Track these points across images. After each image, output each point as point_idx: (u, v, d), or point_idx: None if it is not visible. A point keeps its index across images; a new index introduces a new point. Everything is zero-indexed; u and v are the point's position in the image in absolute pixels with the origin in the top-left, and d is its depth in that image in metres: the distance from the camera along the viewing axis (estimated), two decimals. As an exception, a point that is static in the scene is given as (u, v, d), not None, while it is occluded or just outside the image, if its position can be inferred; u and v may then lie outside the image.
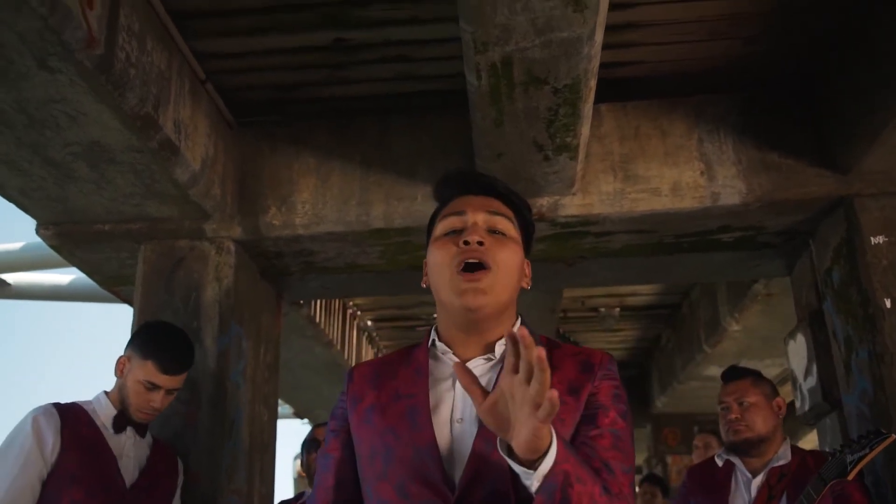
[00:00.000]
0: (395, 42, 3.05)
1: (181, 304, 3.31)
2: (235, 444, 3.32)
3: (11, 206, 3.19)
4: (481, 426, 1.27)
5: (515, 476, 1.18)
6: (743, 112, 3.34)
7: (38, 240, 3.51)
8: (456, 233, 1.40)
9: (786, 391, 7.09)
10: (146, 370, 2.57)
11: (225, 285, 3.34)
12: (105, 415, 2.56)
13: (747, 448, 2.75)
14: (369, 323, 6.88)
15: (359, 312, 6.54)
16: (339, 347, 5.84)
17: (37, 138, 2.69)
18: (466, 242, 1.35)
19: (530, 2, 2.11)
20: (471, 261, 1.34)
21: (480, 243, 1.35)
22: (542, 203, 3.28)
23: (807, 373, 3.66)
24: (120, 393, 2.60)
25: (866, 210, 3.18)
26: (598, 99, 2.94)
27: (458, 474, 1.26)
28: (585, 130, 2.86)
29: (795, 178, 3.24)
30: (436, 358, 1.42)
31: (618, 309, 6.68)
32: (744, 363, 6.37)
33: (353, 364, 6.38)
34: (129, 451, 2.56)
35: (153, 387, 2.57)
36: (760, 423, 2.77)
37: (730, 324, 5.47)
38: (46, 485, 2.35)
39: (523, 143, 2.85)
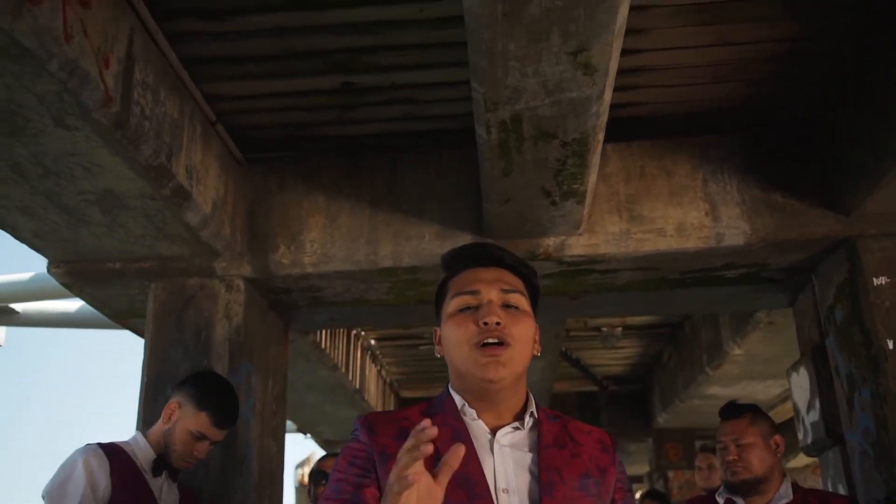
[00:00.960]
0: (402, 85, 3.09)
1: (192, 342, 3.34)
2: (246, 479, 3.35)
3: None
4: (539, 499, 1.34)
5: None
6: (747, 153, 3.38)
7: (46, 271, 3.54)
8: (471, 309, 1.44)
9: (787, 408, 7.14)
10: (199, 421, 2.60)
11: (234, 323, 3.38)
12: (144, 457, 2.57)
13: (746, 489, 2.74)
14: (373, 342, 6.92)
15: (362, 333, 6.58)
16: (343, 370, 5.87)
17: (51, 187, 2.73)
18: (486, 323, 1.40)
19: (541, 66, 2.15)
20: (490, 341, 1.40)
21: (498, 324, 1.41)
22: (548, 243, 3.32)
23: (809, 406, 3.70)
24: (164, 438, 2.61)
25: (869, 251, 3.22)
26: (604, 139, 2.97)
27: None
28: (593, 178, 2.90)
29: (798, 219, 3.28)
30: (466, 424, 1.45)
31: (620, 328, 6.72)
32: (745, 383, 6.44)
33: (357, 384, 6.41)
34: (166, 496, 2.59)
35: (202, 438, 2.60)
36: (757, 463, 2.75)
37: (732, 348, 5.51)
38: None
39: (531, 190, 2.89)
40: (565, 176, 2.78)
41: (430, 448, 1.12)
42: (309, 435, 8.69)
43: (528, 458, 1.41)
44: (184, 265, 3.38)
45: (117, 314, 3.90)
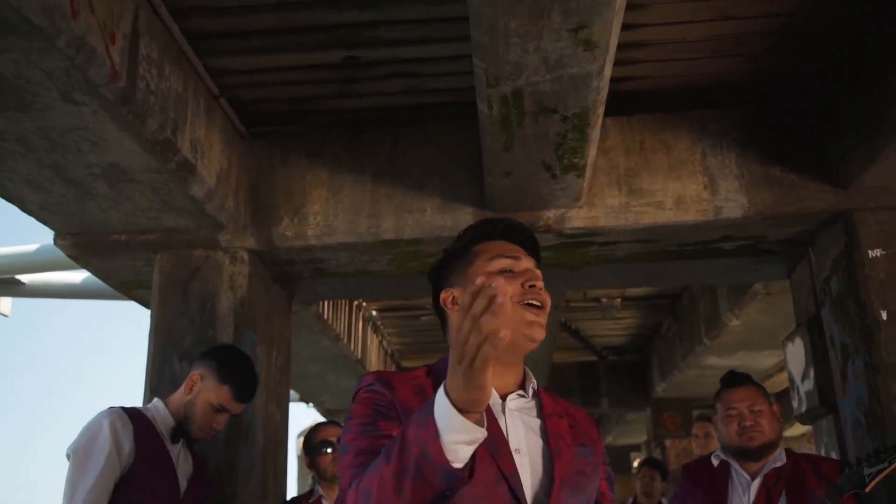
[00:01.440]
0: (404, 60, 3.11)
1: (197, 314, 3.40)
2: (251, 448, 3.42)
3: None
4: (551, 462, 1.41)
5: None
6: (746, 127, 3.40)
7: (52, 241, 3.57)
8: (509, 272, 1.48)
9: (783, 379, 7.22)
10: (220, 394, 2.65)
11: (239, 294, 3.43)
12: (164, 424, 2.63)
13: (759, 454, 2.77)
14: (374, 313, 6.98)
15: (364, 304, 6.64)
16: (345, 340, 5.94)
17: (58, 161, 2.76)
18: (532, 286, 1.46)
19: (542, 42, 2.17)
20: (534, 302, 1.45)
21: (542, 289, 1.48)
22: (548, 216, 3.36)
23: (804, 376, 3.77)
24: (185, 409, 2.67)
25: (865, 224, 3.26)
26: (604, 112, 3.00)
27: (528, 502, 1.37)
28: (593, 152, 2.93)
29: (796, 193, 3.32)
30: None
31: (619, 300, 6.77)
32: (742, 354, 6.52)
33: (359, 355, 6.49)
34: (182, 463, 2.66)
35: (223, 410, 2.67)
36: (769, 428, 2.80)
37: (730, 319, 5.57)
38: (117, 489, 2.43)
39: (532, 164, 2.93)
40: (565, 150, 2.82)
41: (506, 302, 1.07)
42: (311, 404, 8.79)
43: (535, 423, 1.48)
44: (189, 237, 3.43)
45: (123, 286, 3.96)
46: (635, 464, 14.68)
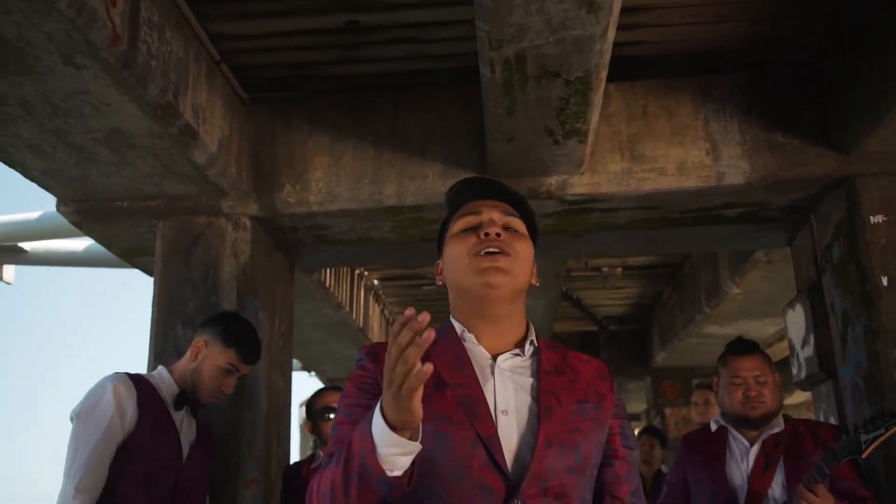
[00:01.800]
0: (406, 24, 3.09)
1: (200, 280, 3.41)
2: (255, 413, 3.45)
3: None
4: (538, 421, 1.39)
5: (573, 473, 1.38)
6: (748, 92, 3.39)
7: (54, 209, 3.58)
8: (473, 229, 1.50)
9: (783, 347, 7.25)
10: (228, 356, 2.70)
11: (242, 261, 3.44)
12: (168, 391, 2.67)
13: (759, 422, 2.80)
14: (376, 282, 7.00)
15: (366, 272, 6.65)
16: (347, 309, 5.96)
17: (60, 125, 2.76)
18: (486, 234, 1.46)
19: (545, 4, 2.16)
20: (491, 250, 1.45)
21: (498, 235, 1.47)
22: (550, 182, 3.36)
23: (804, 342, 3.79)
24: (192, 376, 2.70)
25: (867, 190, 3.26)
26: (607, 78, 2.99)
27: (508, 464, 1.36)
28: (595, 117, 2.92)
29: (798, 158, 3.31)
30: (468, 349, 1.50)
31: (620, 269, 6.79)
32: (742, 322, 6.54)
33: (360, 323, 6.52)
34: (186, 430, 2.69)
35: (232, 372, 2.70)
36: (772, 398, 2.82)
37: (730, 287, 5.59)
38: (120, 452, 2.46)
39: (534, 129, 2.92)
40: (568, 115, 2.81)
41: (431, 335, 1.13)
42: (313, 373, 8.85)
43: (527, 382, 1.46)
44: (191, 203, 3.43)
45: (125, 252, 3.97)
46: (635, 432, 14.80)
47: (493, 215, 1.50)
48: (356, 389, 1.47)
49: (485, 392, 1.43)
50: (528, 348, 1.51)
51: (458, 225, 1.52)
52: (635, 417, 14.38)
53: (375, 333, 7.38)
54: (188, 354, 2.73)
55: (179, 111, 2.78)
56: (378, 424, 1.21)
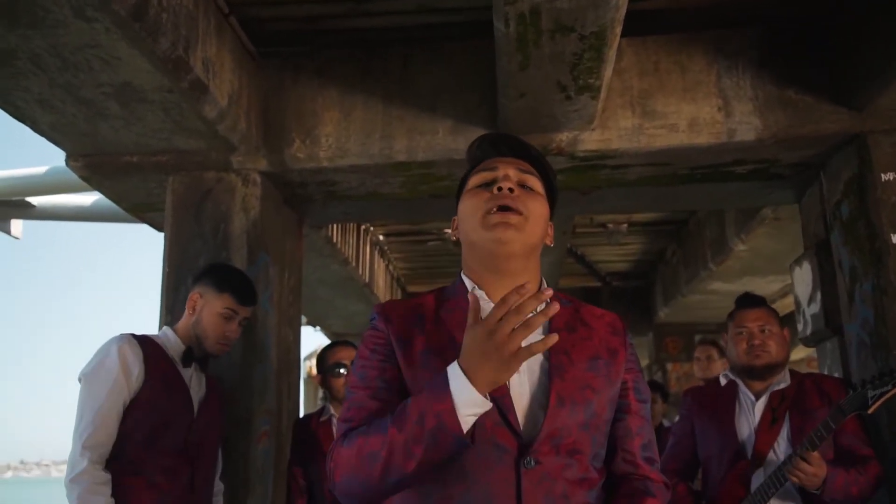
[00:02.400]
0: (418, -24, 3.05)
1: (210, 235, 3.42)
2: (265, 367, 3.49)
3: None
4: (549, 380, 1.41)
5: (586, 430, 1.40)
6: (761, 47, 3.36)
7: (62, 164, 3.58)
8: (488, 185, 1.50)
9: (788, 302, 7.28)
10: (224, 301, 2.72)
11: (252, 216, 3.45)
12: (174, 349, 2.70)
13: (763, 373, 2.83)
14: (381, 238, 7.01)
15: (371, 228, 6.66)
16: (353, 264, 5.98)
17: (70, 79, 2.74)
18: (500, 189, 1.46)
19: (562, -43, 2.13)
20: (503, 205, 1.45)
21: (511, 190, 1.47)
22: (561, 138, 3.35)
23: (811, 299, 3.81)
24: (193, 329, 2.73)
25: (879, 147, 3.25)
26: (620, 33, 2.96)
27: (521, 423, 1.38)
28: (608, 72, 2.90)
29: (811, 115, 3.29)
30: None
31: (625, 225, 6.78)
32: (747, 279, 6.56)
33: (366, 279, 6.54)
34: (194, 386, 2.72)
35: (232, 315, 2.72)
36: (777, 350, 2.85)
37: (736, 244, 5.59)
38: (129, 411, 2.51)
39: (547, 84, 2.90)
40: (581, 70, 2.79)
41: (556, 307, 1.23)
42: (319, 328, 8.90)
43: (538, 339, 1.44)
44: (201, 159, 3.42)
45: (135, 208, 3.97)
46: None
47: (509, 171, 1.50)
48: (369, 352, 1.49)
49: None
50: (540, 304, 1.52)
51: (473, 180, 1.53)
52: (636, 372, 14.52)
53: (381, 289, 7.42)
54: (186, 310, 2.76)
55: (190, 65, 2.76)
56: (463, 387, 1.24)
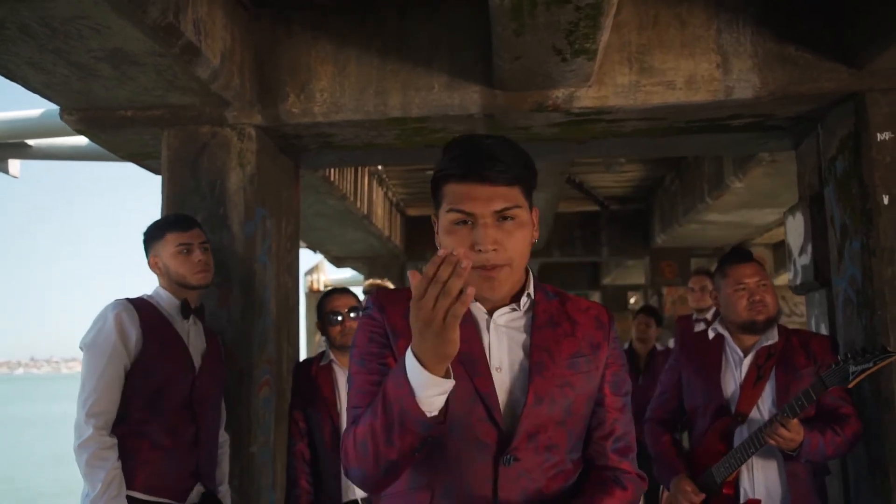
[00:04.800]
0: (412, -70, 2.97)
1: (207, 191, 3.44)
2: (265, 319, 3.57)
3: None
4: (529, 379, 1.45)
5: (563, 426, 1.46)
6: (763, 3, 3.29)
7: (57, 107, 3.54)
8: (466, 223, 1.44)
9: (780, 232, 7.33)
10: (171, 241, 2.77)
11: (248, 171, 3.45)
12: (169, 305, 2.77)
13: (764, 327, 2.86)
14: (380, 167, 7.00)
15: (369, 159, 6.64)
16: (351, 199, 6.00)
17: (60, 46, 2.71)
18: (480, 250, 1.42)
19: (557, -62, 2.08)
20: (484, 264, 1.43)
21: (494, 249, 1.43)
22: (557, 94, 3.32)
23: (802, 250, 3.85)
24: (170, 282, 2.79)
25: (876, 105, 3.23)
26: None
27: (504, 420, 1.44)
28: (605, 37, 2.86)
29: (810, 73, 3.26)
30: None
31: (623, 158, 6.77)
32: (744, 212, 6.60)
33: (364, 211, 6.57)
34: (194, 339, 2.80)
35: (187, 246, 2.77)
36: (773, 303, 2.88)
37: (733, 182, 5.60)
38: (131, 375, 2.60)
39: (542, 48, 2.86)
40: (577, 36, 2.75)
41: (469, 265, 1.19)
42: (318, 251, 8.99)
43: (522, 337, 1.52)
44: (195, 114, 3.41)
45: (132, 156, 3.97)
46: (632, 301, 15.17)
47: (487, 218, 1.43)
48: (367, 339, 1.53)
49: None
50: (525, 301, 1.54)
51: (449, 217, 1.46)
52: (633, 288, 14.72)
53: (379, 217, 7.45)
54: (157, 276, 2.82)
55: (181, 31, 2.72)
56: (414, 369, 1.27)
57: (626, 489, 1.53)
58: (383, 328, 1.52)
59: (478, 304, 1.53)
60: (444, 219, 1.48)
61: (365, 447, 1.37)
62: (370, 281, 4.13)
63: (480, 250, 1.43)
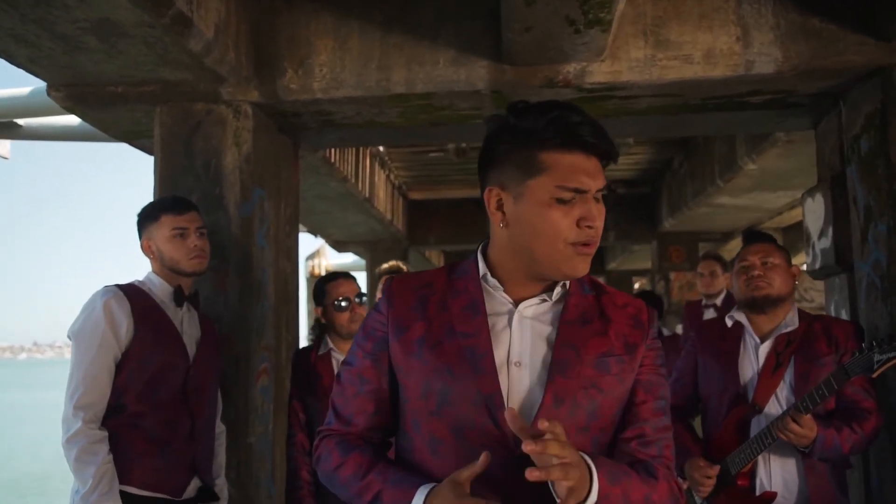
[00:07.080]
0: None
1: (202, 170, 3.30)
2: (263, 305, 3.43)
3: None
4: (548, 377, 1.32)
5: (585, 433, 1.34)
6: (786, -28, 3.13)
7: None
8: (567, 202, 1.32)
9: (795, 214, 7.19)
10: (166, 224, 2.63)
11: (244, 151, 3.31)
12: (162, 292, 2.63)
13: (764, 305, 2.74)
14: (381, 149, 6.85)
15: (371, 140, 6.50)
16: (353, 181, 5.85)
17: (43, 15, 2.56)
18: (590, 227, 1.33)
19: None
20: (586, 241, 1.34)
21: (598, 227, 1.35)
22: (568, 70, 3.16)
23: (822, 233, 3.70)
24: (163, 266, 2.64)
25: (905, 81, 3.07)
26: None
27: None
28: (621, 6, 2.70)
29: (835, 46, 3.09)
30: (487, 293, 1.41)
31: (632, 138, 6.61)
32: (755, 194, 6.44)
33: (366, 194, 6.43)
34: (188, 327, 2.66)
35: (182, 230, 2.63)
36: (780, 283, 2.74)
37: (746, 163, 5.43)
38: (123, 365, 2.46)
39: (555, 19, 2.71)
40: (592, 5, 2.59)
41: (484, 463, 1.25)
42: (318, 235, 8.86)
43: (548, 330, 1.38)
44: (189, 90, 3.25)
45: (124, 135, 3.83)
46: (637, 286, 15.06)
47: (597, 184, 1.34)
48: (364, 335, 1.48)
49: (500, 341, 1.36)
50: (558, 291, 1.40)
51: (555, 192, 1.32)
52: (639, 273, 14.60)
53: (381, 200, 7.31)
54: (150, 260, 2.68)
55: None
56: None
57: (656, 479, 1.35)
58: (384, 325, 1.45)
59: (502, 292, 1.39)
60: (545, 193, 1.32)
61: (344, 487, 1.42)
62: (390, 263, 3.95)
63: (589, 226, 1.33)
